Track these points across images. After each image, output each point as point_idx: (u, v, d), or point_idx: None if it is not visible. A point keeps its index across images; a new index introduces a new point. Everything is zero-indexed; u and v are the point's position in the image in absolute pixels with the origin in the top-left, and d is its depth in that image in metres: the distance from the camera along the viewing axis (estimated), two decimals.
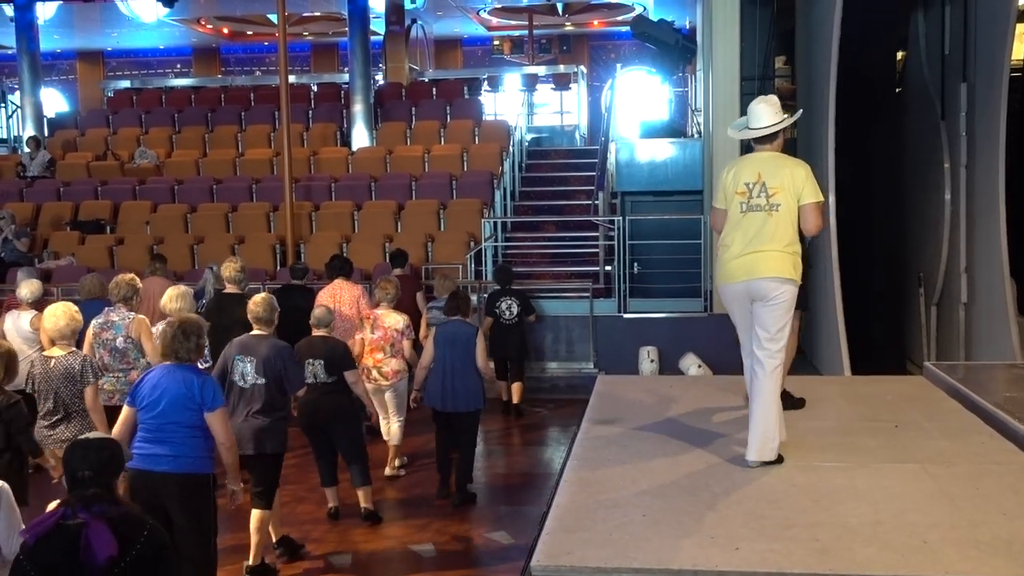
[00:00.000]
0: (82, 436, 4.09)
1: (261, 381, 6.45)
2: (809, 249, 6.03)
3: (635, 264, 12.88)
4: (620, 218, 12.96)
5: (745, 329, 5.42)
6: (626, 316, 12.52)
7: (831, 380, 9.21)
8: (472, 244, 13.76)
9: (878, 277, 12.53)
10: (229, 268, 8.95)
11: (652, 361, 12.05)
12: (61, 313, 6.42)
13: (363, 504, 7.59)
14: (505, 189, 15.65)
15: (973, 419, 6.05)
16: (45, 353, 6.51)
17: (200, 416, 5.38)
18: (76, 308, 6.60)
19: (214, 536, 5.55)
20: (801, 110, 5.81)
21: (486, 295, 11.59)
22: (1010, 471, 4.96)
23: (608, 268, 12.96)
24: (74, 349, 6.47)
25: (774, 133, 5.40)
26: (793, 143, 14.81)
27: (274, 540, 6.84)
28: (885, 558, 3.90)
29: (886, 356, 11.53)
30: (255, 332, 6.68)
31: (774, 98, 5.55)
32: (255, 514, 6.50)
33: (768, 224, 5.21)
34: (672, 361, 11.86)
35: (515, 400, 11.15)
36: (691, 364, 11.62)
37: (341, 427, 7.47)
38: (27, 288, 8.61)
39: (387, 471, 8.73)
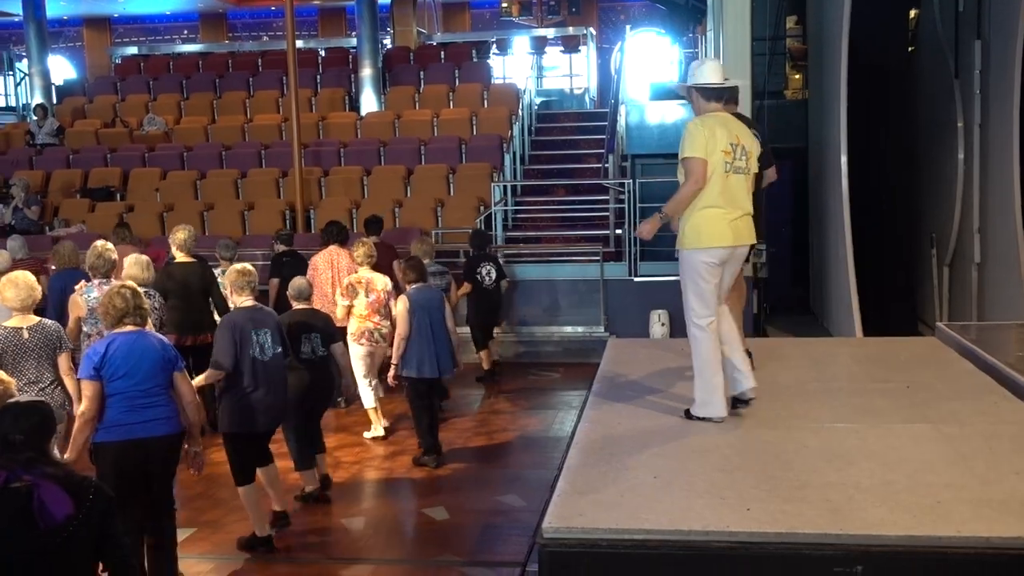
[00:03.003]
0: (11, 400, 4.08)
1: (279, 350, 6.40)
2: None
3: None
4: (630, 181, 12.89)
5: (714, 291, 5.27)
6: (636, 279, 12.49)
7: (843, 342, 9.19)
8: (482, 208, 13.73)
9: (890, 238, 12.47)
10: (177, 236, 8.75)
11: (663, 324, 12.03)
12: (20, 283, 6.05)
13: (323, 472, 7.46)
14: (514, 153, 15.59)
15: (985, 379, 6.03)
16: (10, 324, 6.01)
17: (171, 376, 5.41)
18: (31, 277, 6.21)
19: None
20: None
21: (465, 261, 11.48)
22: (1023, 430, 4.94)
23: (618, 231, 12.92)
24: (40, 319, 6.12)
25: (736, 91, 5.52)
26: (804, 104, 14.73)
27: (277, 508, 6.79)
28: (897, 518, 3.89)
29: (898, 317, 11.49)
30: (246, 303, 6.46)
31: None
32: (261, 472, 6.51)
33: (744, 187, 5.25)
34: (682, 324, 11.78)
35: (492, 360, 11.26)
36: None
37: (327, 401, 7.56)
38: None
39: (377, 431, 8.80)
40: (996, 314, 9.81)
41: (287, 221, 14.32)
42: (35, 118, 17.79)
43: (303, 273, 8.85)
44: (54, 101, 19.20)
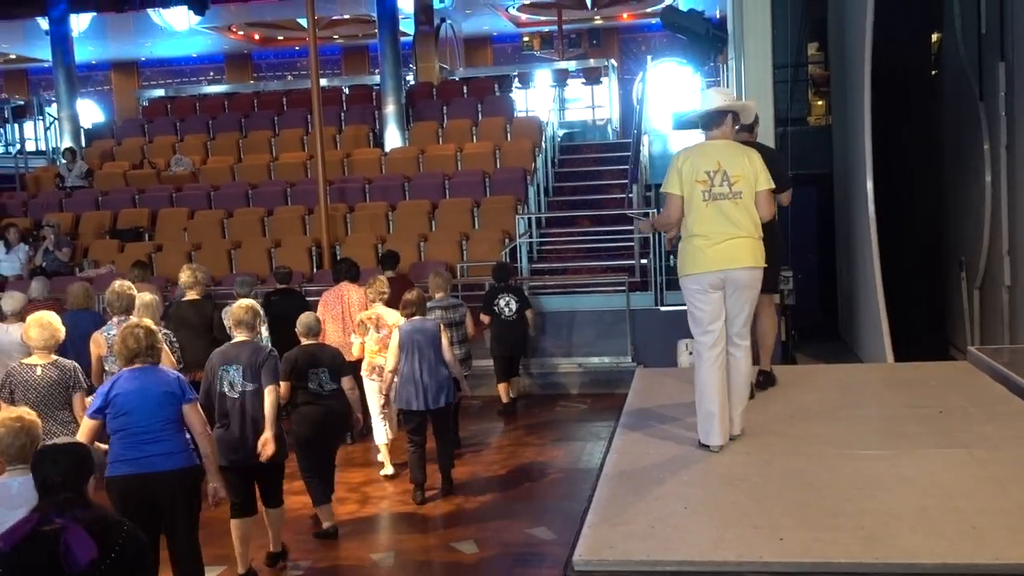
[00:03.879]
0: (50, 442, 4.12)
1: (251, 387, 6.31)
2: (776, 232, 6.08)
3: (671, 256, 12.78)
4: (655, 211, 12.88)
5: (713, 318, 5.32)
6: (663, 309, 12.44)
7: (874, 367, 9.09)
8: (507, 241, 13.75)
9: (919, 262, 12.37)
10: (185, 275, 8.93)
11: (691, 354, 11.90)
12: (44, 323, 6.26)
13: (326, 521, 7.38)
14: (538, 185, 15.63)
15: (1019, 403, 5.95)
16: (26, 362, 6.28)
17: (180, 411, 5.40)
18: (56, 318, 6.40)
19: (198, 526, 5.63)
20: (754, 104, 5.98)
21: (486, 292, 11.46)
22: None
23: (644, 261, 12.89)
24: (57, 358, 6.30)
25: (723, 116, 5.42)
26: (828, 129, 14.69)
27: (272, 549, 6.78)
28: (933, 545, 3.83)
29: (929, 342, 11.38)
30: (236, 339, 6.51)
31: (726, 88, 5.66)
32: (275, 512, 6.59)
33: (733, 213, 5.27)
34: None
35: (513, 395, 11.23)
36: None
37: (339, 436, 7.53)
38: (7, 302, 8.45)
39: (386, 470, 8.77)
40: None
41: (313, 258, 14.41)
42: (64, 161, 18.04)
43: (293, 310, 8.74)
44: (83, 144, 19.47)
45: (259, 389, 6.33)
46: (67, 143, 18.99)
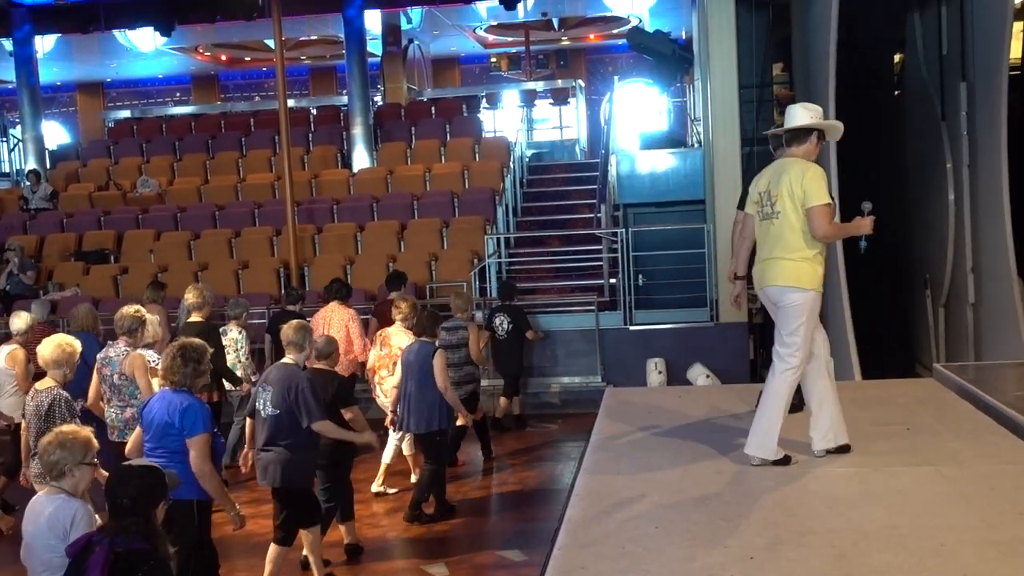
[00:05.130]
0: (126, 463, 4.19)
1: (274, 412, 6.30)
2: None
3: (639, 276, 12.84)
4: (623, 230, 12.93)
5: (775, 332, 5.51)
6: (632, 328, 12.48)
7: (841, 386, 9.10)
8: (476, 261, 13.75)
9: (884, 281, 12.48)
10: (190, 296, 8.90)
11: (660, 373, 12.00)
12: (53, 344, 6.37)
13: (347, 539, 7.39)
14: (507, 205, 15.64)
15: (985, 419, 6.01)
16: (37, 386, 6.49)
17: (183, 441, 5.28)
18: (69, 339, 6.52)
19: (211, 561, 5.54)
20: (839, 123, 5.74)
21: (488, 311, 11.56)
22: None
23: (613, 281, 12.93)
24: (53, 384, 6.34)
25: (800, 135, 5.38)
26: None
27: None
28: (903, 562, 3.85)
29: (895, 360, 11.46)
30: (284, 359, 6.52)
31: (815, 106, 5.52)
32: (271, 547, 6.45)
33: (772, 232, 5.29)
34: (680, 372, 11.81)
35: (516, 412, 11.30)
36: (699, 374, 11.57)
37: (352, 455, 7.41)
38: (14, 321, 8.53)
39: (375, 487, 8.73)
40: (993, 354, 9.81)
41: (281, 279, 14.32)
42: (28, 183, 17.85)
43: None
44: (48, 166, 19.27)
45: (279, 416, 6.27)
46: (31, 165, 18.79)
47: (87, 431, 4.53)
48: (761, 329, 12.32)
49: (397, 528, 7.92)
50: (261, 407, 6.36)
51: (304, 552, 6.84)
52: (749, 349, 12.14)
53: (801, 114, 5.43)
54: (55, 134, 26.01)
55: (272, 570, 6.44)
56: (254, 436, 6.46)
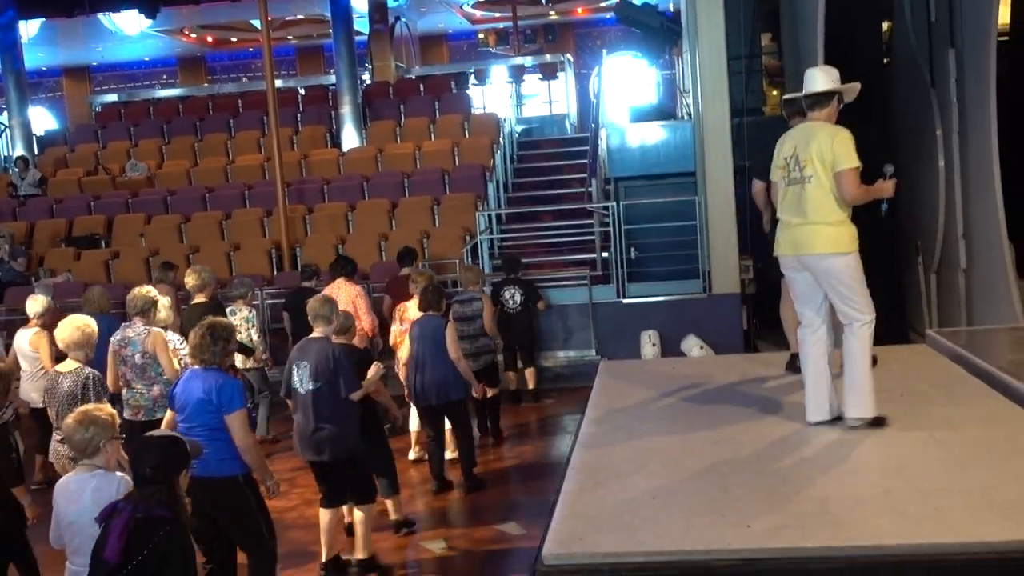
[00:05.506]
0: (148, 433, 4.29)
1: (314, 386, 6.33)
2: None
3: (632, 249, 12.85)
4: (614, 204, 12.92)
5: (800, 300, 5.49)
6: (625, 301, 12.49)
7: (835, 352, 9.18)
8: (468, 238, 13.74)
9: (875, 248, 12.47)
10: (190, 279, 8.87)
11: (654, 345, 12.02)
12: (71, 326, 6.36)
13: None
14: (498, 181, 15.63)
15: (978, 384, 6.03)
16: (57, 368, 6.49)
17: (221, 418, 5.35)
18: (87, 320, 6.51)
19: (268, 535, 5.55)
20: (857, 84, 5.64)
21: (491, 285, 11.54)
22: (1019, 433, 4.94)
23: (605, 254, 12.93)
24: (79, 366, 6.33)
25: (823, 99, 5.34)
26: (783, 119, 14.79)
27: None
28: (898, 527, 3.87)
29: (889, 326, 11.47)
30: (313, 334, 6.53)
31: (832, 69, 5.45)
32: (322, 513, 6.54)
33: (802, 197, 5.22)
34: (674, 344, 11.84)
35: (530, 386, 11.34)
36: (693, 346, 11.60)
37: (383, 426, 7.53)
38: (30, 305, 8.58)
39: (412, 455, 9.04)
40: (985, 319, 9.83)
41: (273, 260, 14.31)
42: (16, 170, 17.77)
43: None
44: (36, 152, 19.19)
45: (322, 389, 6.33)
46: (19, 151, 18.72)
47: (109, 407, 4.67)
48: (755, 299, 12.36)
49: (420, 501, 8.00)
50: (299, 384, 6.39)
51: (348, 520, 7.01)
52: (743, 320, 12.16)
53: (822, 78, 5.37)
54: (42, 120, 25.87)
55: (328, 540, 6.51)
56: (296, 411, 6.50)
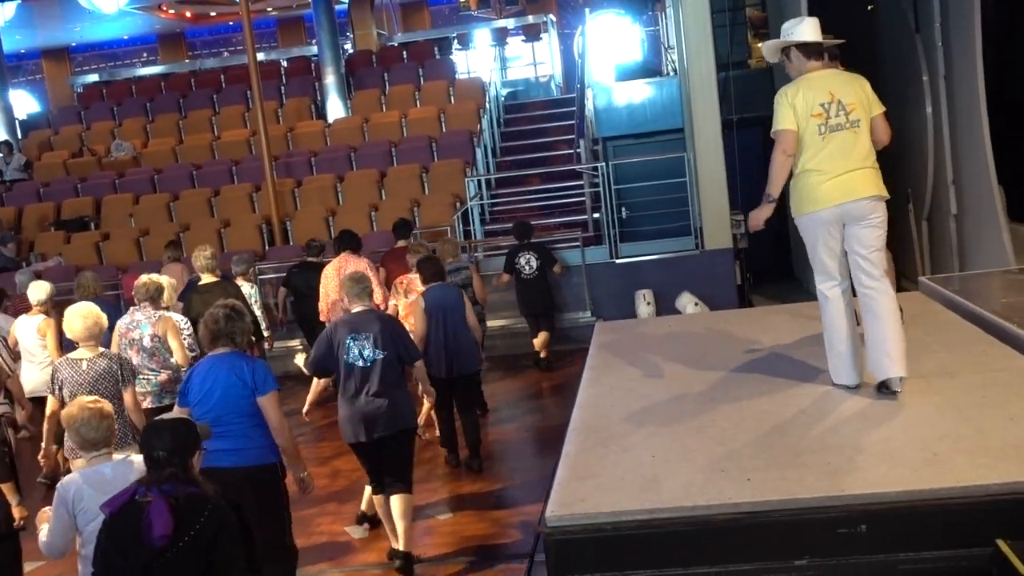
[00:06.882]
0: (157, 418, 4.23)
1: (382, 355, 6.13)
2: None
3: (623, 209, 12.83)
4: (603, 164, 12.89)
5: (834, 255, 5.13)
6: (618, 261, 12.50)
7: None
8: (458, 205, 13.70)
9: None
10: (200, 257, 8.76)
11: (648, 304, 12.04)
12: (86, 314, 6.12)
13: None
14: (485, 146, 15.56)
15: (973, 329, 6.05)
16: (72, 356, 6.11)
17: (255, 403, 5.13)
18: (96, 310, 6.26)
19: (288, 526, 5.38)
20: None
21: (507, 251, 11.49)
22: (1014, 377, 4.96)
23: (596, 215, 12.91)
24: (103, 350, 6.16)
25: (821, 47, 5.24)
26: (770, 71, 14.75)
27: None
28: (897, 474, 3.90)
29: None
30: (358, 308, 6.33)
31: (814, 20, 5.33)
32: (398, 499, 6.13)
33: (851, 142, 5.08)
34: (668, 302, 11.86)
35: (542, 354, 11.20)
36: (687, 303, 11.62)
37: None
38: (32, 292, 8.48)
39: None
40: (977, 264, 9.85)
41: (264, 235, 14.26)
42: (1, 155, 17.65)
43: (313, 283, 9.09)
44: (19, 136, 19.05)
45: (390, 358, 6.15)
46: (2, 136, 18.57)
47: (108, 403, 4.61)
48: (747, 254, 12.38)
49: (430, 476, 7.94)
50: (358, 357, 6.11)
51: (363, 508, 6.86)
52: (736, 275, 12.17)
53: (813, 30, 5.20)
54: (24, 103, 25.66)
55: (406, 525, 6.14)
56: (348, 389, 6.14)
